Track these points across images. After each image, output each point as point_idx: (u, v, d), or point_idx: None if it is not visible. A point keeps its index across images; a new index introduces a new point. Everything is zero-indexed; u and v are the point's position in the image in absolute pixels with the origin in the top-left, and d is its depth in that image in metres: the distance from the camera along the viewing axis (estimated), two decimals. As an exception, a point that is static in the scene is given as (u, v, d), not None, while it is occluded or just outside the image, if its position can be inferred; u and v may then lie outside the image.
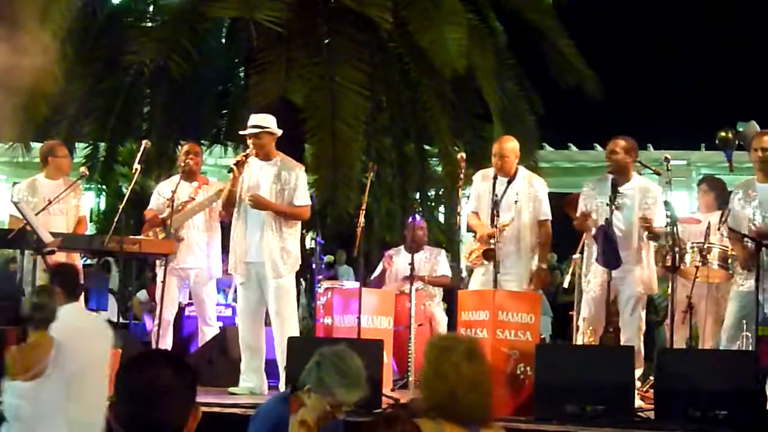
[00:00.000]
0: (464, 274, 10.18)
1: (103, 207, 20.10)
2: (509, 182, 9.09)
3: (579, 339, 8.74)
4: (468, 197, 9.65)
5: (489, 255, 8.79)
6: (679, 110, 24.25)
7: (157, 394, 3.09)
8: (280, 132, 9.08)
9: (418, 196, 15.07)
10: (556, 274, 16.24)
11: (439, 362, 4.18)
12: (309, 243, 14.90)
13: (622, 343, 8.61)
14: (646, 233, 8.61)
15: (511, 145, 9.30)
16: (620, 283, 8.56)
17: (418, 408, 3.47)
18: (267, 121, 9.04)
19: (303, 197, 9.03)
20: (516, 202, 9.00)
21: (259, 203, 8.81)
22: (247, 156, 8.90)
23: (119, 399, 3.15)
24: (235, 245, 9.02)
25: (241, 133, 9.30)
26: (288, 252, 8.92)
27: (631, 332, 8.61)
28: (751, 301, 8.12)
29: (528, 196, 9.10)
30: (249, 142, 8.95)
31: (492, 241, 8.70)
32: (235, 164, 8.87)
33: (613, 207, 8.41)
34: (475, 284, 9.15)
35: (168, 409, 3.11)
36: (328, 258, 19.69)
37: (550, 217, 9.24)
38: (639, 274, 8.63)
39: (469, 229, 9.67)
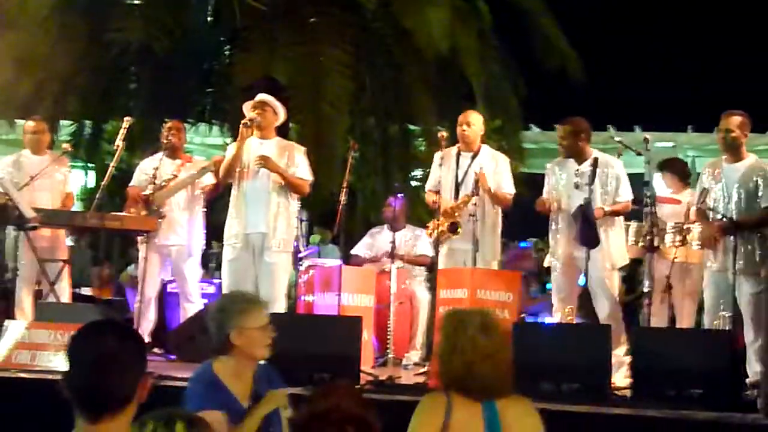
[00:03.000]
0: (431, 252, 10.22)
1: (91, 185, 20.10)
2: (473, 158, 9.14)
3: (556, 317, 8.80)
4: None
5: (454, 228, 8.86)
6: (666, 92, 24.25)
7: (104, 363, 3.14)
8: (282, 117, 9.16)
9: (401, 175, 15.10)
10: (541, 255, 16.30)
11: (456, 336, 4.29)
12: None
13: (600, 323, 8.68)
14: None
15: (475, 116, 9.40)
16: (587, 264, 8.55)
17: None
18: (272, 99, 9.18)
19: (305, 173, 9.11)
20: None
21: (268, 164, 8.84)
22: (252, 120, 8.92)
23: (70, 367, 3.19)
24: (233, 217, 9.06)
25: (244, 106, 9.26)
26: (287, 227, 9.01)
27: (607, 311, 8.66)
28: (724, 280, 8.20)
29: (492, 171, 9.14)
30: (253, 113, 8.97)
31: (456, 214, 8.80)
32: (243, 124, 8.90)
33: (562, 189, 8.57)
34: (443, 260, 9.22)
35: (116, 377, 3.15)
36: (313, 237, 19.69)
37: (512, 192, 9.34)
38: (604, 251, 8.67)
39: (429, 207, 9.77)
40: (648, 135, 9.35)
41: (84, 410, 3.15)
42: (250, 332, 5.04)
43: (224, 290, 9.14)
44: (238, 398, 4.99)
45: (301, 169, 9.09)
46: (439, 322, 4.52)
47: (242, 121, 8.94)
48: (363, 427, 3.19)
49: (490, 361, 4.22)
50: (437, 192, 9.27)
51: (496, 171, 9.19)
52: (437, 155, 9.53)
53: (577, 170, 8.74)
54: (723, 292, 8.27)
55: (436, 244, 9.27)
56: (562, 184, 8.83)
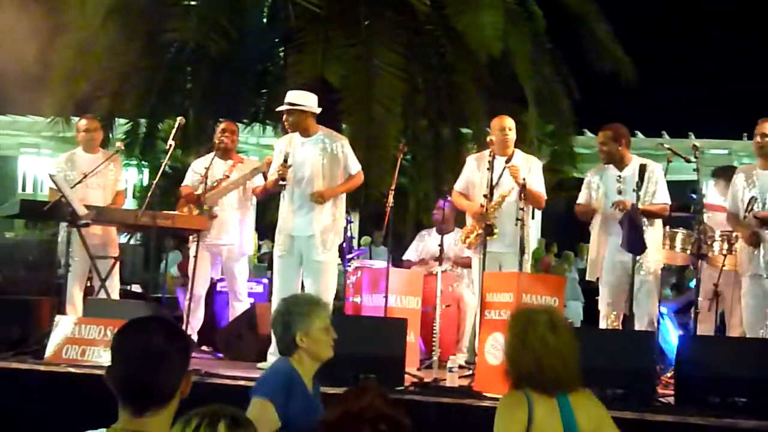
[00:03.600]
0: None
1: (146, 183, 20.31)
2: (507, 161, 9.16)
3: (602, 323, 8.79)
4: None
5: (491, 230, 8.88)
6: (721, 99, 24.10)
7: (151, 358, 3.24)
8: (315, 109, 9.09)
9: (452, 178, 15.08)
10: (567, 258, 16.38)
11: (525, 334, 4.46)
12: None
13: (637, 328, 8.66)
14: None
15: (511, 121, 9.45)
16: (633, 269, 8.55)
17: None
18: (299, 98, 9.07)
19: (354, 164, 9.16)
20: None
21: (325, 197, 8.92)
22: (282, 177, 8.96)
23: (115, 362, 3.29)
24: (282, 220, 9.13)
25: (277, 110, 9.35)
26: (334, 228, 9.07)
27: (647, 317, 8.65)
28: (760, 286, 8.19)
29: (526, 173, 9.13)
30: (285, 120, 9.07)
31: (491, 215, 8.83)
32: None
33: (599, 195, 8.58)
34: (476, 266, 9.29)
35: (161, 372, 3.25)
36: (365, 239, 19.78)
37: (544, 195, 9.36)
38: (650, 257, 8.67)
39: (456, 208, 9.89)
40: (702, 142, 9.35)
41: (129, 404, 3.24)
42: (315, 334, 5.18)
43: (274, 289, 9.21)
44: None
45: (351, 161, 9.14)
46: (507, 322, 4.66)
47: (278, 172, 9.00)
48: (396, 426, 3.24)
49: (558, 357, 4.39)
50: (465, 195, 9.33)
51: (530, 173, 9.19)
52: (471, 158, 9.57)
53: (619, 176, 8.75)
54: (760, 298, 8.27)
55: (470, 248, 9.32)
56: (601, 192, 8.82)
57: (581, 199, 9.12)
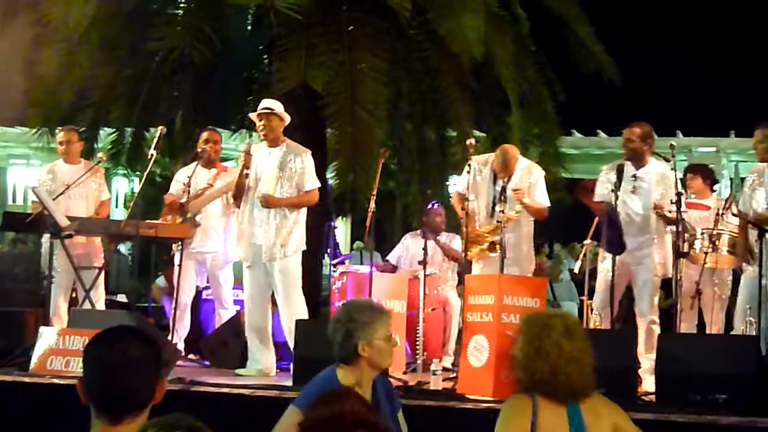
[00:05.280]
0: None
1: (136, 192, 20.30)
2: (509, 177, 9.22)
3: (590, 323, 8.83)
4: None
5: (494, 247, 8.94)
6: (708, 97, 24.14)
7: (124, 367, 3.26)
8: (288, 118, 9.25)
9: (439, 182, 15.10)
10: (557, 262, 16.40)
11: (540, 340, 4.36)
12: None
13: (640, 330, 8.69)
14: (661, 218, 8.72)
15: (514, 151, 9.47)
16: (636, 268, 8.64)
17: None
18: (276, 105, 9.23)
19: (310, 182, 9.19)
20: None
21: (269, 203, 8.99)
22: (245, 152, 9.10)
23: (88, 372, 3.31)
24: (242, 228, 9.21)
25: (250, 115, 9.41)
26: (292, 233, 9.09)
27: (647, 317, 8.69)
28: (755, 287, 8.19)
29: (528, 184, 9.18)
30: (259, 124, 9.12)
31: (497, 234, 8.87)
32: (241, 160, 9.07)
33: (618, 193, 8.52)
34: (476, 272, 9.31)
35: (135, 381, 3.27)
36: (357, 244, 19.80)
37: (547, 204, 9.36)
38: (657, 259, 8.72)
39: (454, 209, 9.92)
40: (689, 140, 9.41)
41: (105, 413, 3.26)
42: (377, 343, 5.13)
43: (246, 298, 9.25)
44: None
45: (307, 179, 9.18)
46: (520, 327, 4.57)
47: (242, 151, 9.12)
48: (375, 430, 3.26)
49: (574, 364, 4.31)
50: (466, 198, 9.34)
51: (532, 183, 9.23)
52: (476, 160, 9.60)
53: (635, 175, 8.78)
54: (754, 297, 8.28)
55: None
56: (610, 189, 8.84)
57: (599, 197, 9.12)
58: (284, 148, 9.20)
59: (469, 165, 9.44)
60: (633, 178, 8.80)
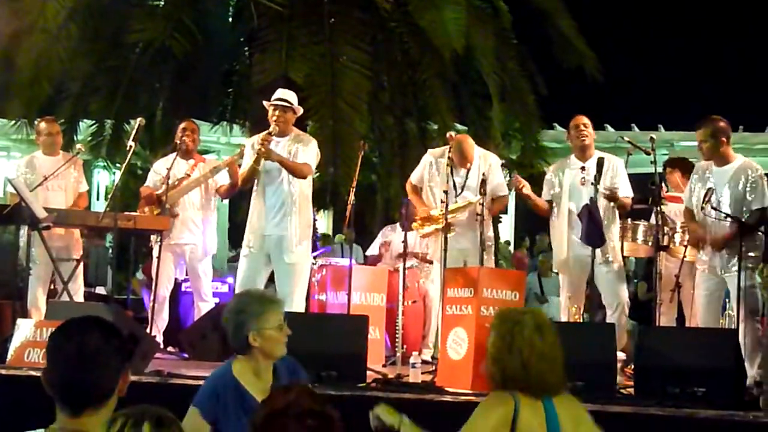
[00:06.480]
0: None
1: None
2: (468, 170, 9.26)
3: (563, 316, 8.83)
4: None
5: (448, 228, 8.93)
6: (691, 92, 24.17)
7: (87, 358, 3.22)
8: (300, 110, 9.37)
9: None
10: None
11: (512, 337, 4.40)
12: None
13: (608, 316, 8.71)
14: (613, 205, 8.77)
15: (470, 141, 9.57)
16: (595, 260, 8.59)
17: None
18: (291, 97, 9.25)
19: (307, 158, 9.14)
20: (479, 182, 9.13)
21: (267, 152, 8.91)
22: (270, 134, 9.00)
23: (51, 364, 3.28)
24: (253, 219, 9.18)
25: (267, 104, 9.28)
26: (304, 229, 9.13)
27: (619, 304, 8.71)
28: (716, 284, 8.33)
29: (485, 175, 9.16)
30: (273, 114, 9.07)
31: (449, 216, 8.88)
32: (261, 143, 8.94)
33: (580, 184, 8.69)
34: (436, 255, 9.42)
35: (98, 372, 3.24)
36: (339, 237, 19.77)
37: (507, 193, 9.51)
38: (611, 248, 8.73)
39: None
40: (672, 134, 9.41)
41: (66, 405, 3.23)
42: (268, 333, 5.12)
43: (237, 286, 9.21)
44: (257, 397, 5.02)
45: (303, 155, 9.14)
46: (492, 323, 4.60)
47: (258, 142, 9.00)
48: (324, 419, 3.24)
49: (546, 361, 4.36)
50: (420, 188, 9.52)
51: (491, 173, 9.24)
52: (433, 152, 9.72)
53: (583, 168, 8.83)
54: (713, 291, 8.35)
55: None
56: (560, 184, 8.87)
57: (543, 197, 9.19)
58: (292, 137, 9.21)
59: (426, 157, 9.56)
60: (581, 170, 8.86)
